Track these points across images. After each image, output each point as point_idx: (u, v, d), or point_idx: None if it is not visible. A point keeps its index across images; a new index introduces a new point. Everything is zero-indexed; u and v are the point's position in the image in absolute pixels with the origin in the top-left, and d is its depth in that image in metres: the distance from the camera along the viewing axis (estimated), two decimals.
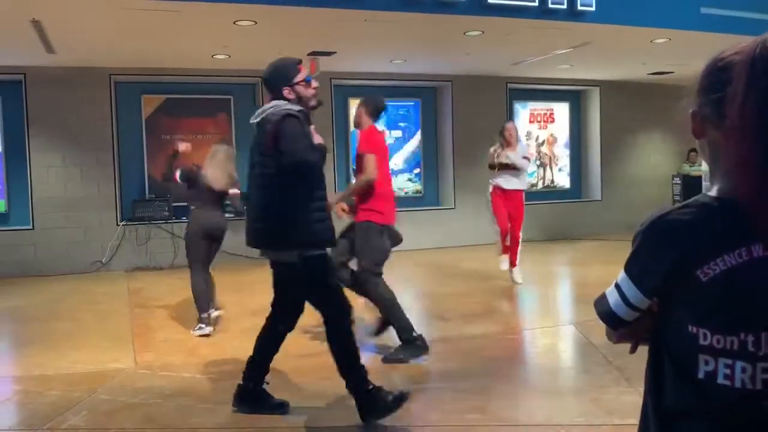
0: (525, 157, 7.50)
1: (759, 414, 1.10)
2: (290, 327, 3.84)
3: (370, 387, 3.55)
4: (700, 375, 1.13)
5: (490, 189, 7.43)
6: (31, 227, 9.14)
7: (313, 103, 3.66)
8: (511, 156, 7.35)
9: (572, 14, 7.16)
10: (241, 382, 3.77)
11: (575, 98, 12.52)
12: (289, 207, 3.44)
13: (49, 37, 7.24)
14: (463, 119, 10.98)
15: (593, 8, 7.18)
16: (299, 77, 3.55)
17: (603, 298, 1.28)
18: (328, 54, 8.62)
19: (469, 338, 5.10)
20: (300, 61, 3.67)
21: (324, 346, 5.12)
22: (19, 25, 6.60)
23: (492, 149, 7.45)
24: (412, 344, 4.67)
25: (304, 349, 5.09)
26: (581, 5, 7.12)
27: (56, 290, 7.90)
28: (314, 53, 8.59)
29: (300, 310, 3.81)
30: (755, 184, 1.09)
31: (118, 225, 9.42)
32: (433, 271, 8.75)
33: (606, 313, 1.27)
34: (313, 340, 5.36)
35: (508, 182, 7.38)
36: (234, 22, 6.82)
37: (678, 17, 7.53)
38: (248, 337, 5.44)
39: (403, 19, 6.84)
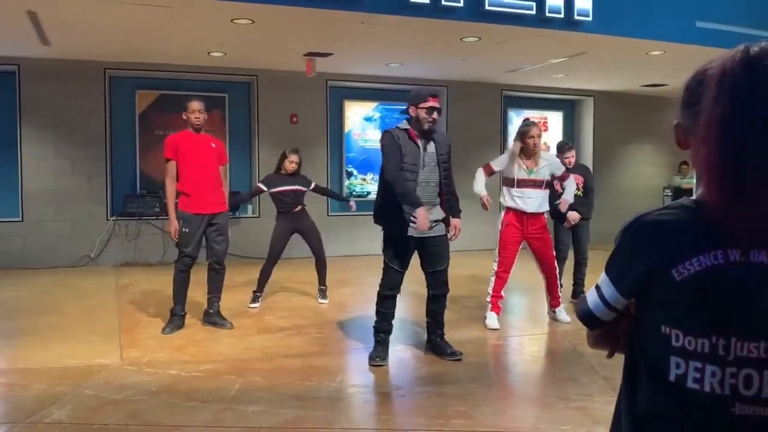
0: (559, 177, 5.88)
1: (729, 420, 1.11)
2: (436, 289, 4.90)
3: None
4: (671, 378, 1.14)
5: (501, 215, 5.80)
6: (20, 219, 9.09)
7: (425, 127, 4.61)
8: (568, 188, 5.94)
9: (569, 23, 7.20)
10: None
11: (569, 107, 12.58)
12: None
13: (45, 29, 7.21)
14: (458, 125, 11.00)
15: (590, 18, 7.22)
16: (424, 104, 4.58)
17: (583, 298, 1.31)
18: (325, 55, 8.62)
19: (456, 344, 5.09)
20: (434, 94, 4.69)
21: (308, 348, 5.14)
22: (15, 16, 6.57)
23: (505, 157, 5.78)
24: (174, 315, 5.61)
25: (288, 351, 5.09)
26: (578, 15, 7.16)
27: (44, 283, 7.85)
28: (311, 54, 8.59)
29: (434, 276, 4.87)
30: (720, 193, 1.11)
31: (108, 219, 9.38)
32: (422, 275, 8.74)
33: (584, 312, 1.30)
34: (296, 342, 5.35)
35: (528, 202, 5.64)
36: (231, 20, 6.81)
37: (673, 30, 7.59)
38: (235, 336, 5.46)
39: (401, 22, 6.85)
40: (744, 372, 1.10)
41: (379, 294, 4.81)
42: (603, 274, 1.26)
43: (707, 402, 1.12)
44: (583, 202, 6.58)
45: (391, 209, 4.58)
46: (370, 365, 4.68)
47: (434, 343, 4.97)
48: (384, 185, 4.66)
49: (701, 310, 1.12)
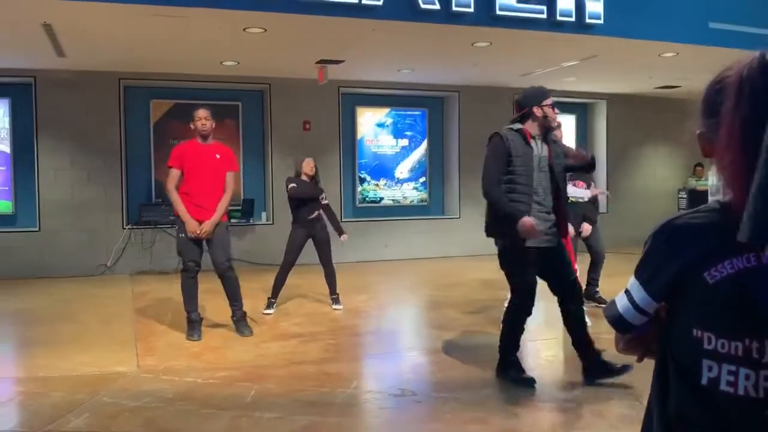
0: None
1: (762, 423, 1.10)
2: (572, 301, 4.44)
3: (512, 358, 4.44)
4: (704, 381, 1.13)
5: None
6: (37, 229, 9.18)
7: (553, 125, 4.42)
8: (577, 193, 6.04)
9: (580, 27, 7.18)
10: (583, 363, 4.44)
11: (582, 111, 12.53)
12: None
13: (60, 41, 7.29)
14: (470, 130, 10.99)
15: (601, 21, 7.19)
16: (547, 101, 4.36)
17: (612, 303, 1.30)
18: (337, 62, 8.66)
19: (472, 348, 5.09)
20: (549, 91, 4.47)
21: (322, 354, 5.15)
22: (31, 29, 6.65)
23: None
24: (192, 321, 5.61)
25: (303, 357, 5.10)
26: (589, 18, 7.14)
27: (61, 293, 7.92)
28: (323, 61, 8.63)
29: (565, 285, 4.42)
30: (742, 200, 1.11)
31: (123, 228, 9.45)
32: (436, 280, 8.75)
33: (614, 317, 1.29)
34: (311, 348, 5.36)
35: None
36: (243, 29, 6.86)
37: (686, 31, 7.54)
38: (251, 343, 5.48)
39: (412, 29, 6.86)
40: None
41: (514, 319, 4.39)
42: (632, 278, 1.25)
43: (740, 405, 1.11)
44: (588, 206, 6.57)
45: (505, 220, 4.20)
46: (533, 387, 4.32)
47: (595, 364, 4.37)
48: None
49: (734, 313, 1.11)
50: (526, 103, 4.35)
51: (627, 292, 1.27)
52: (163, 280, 8.79)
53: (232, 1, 6.05)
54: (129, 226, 9.48)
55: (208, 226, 5.45)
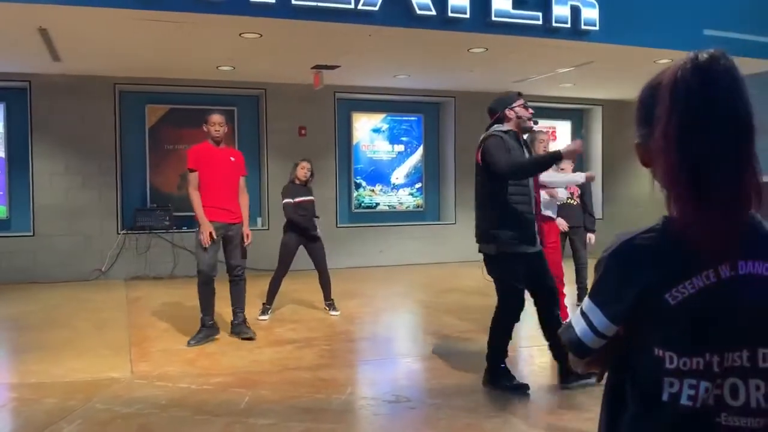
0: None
1: (712, 429, 1.10)
2: (544, 304, 4.41)
3: (502, 365, 4.37)
4: (665, 397, 1.12)
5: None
6: (31, 234, 9.15)
7: (528, 125, 4.36)
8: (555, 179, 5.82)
9: (576, 33, 7.20)
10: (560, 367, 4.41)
11: (578, 117, 12.56)
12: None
13: (56, 45, 7.29)
14: (466, 135, 10.98)
15: (597, 27, 7.23)
16: (518, 102, 4.32)
17: (569, 326, 1.24)
18: (332, 68, 8.66)
19: (466, 354, 5.08)
20: (520, 94, 4.45)
21: (317, 360, 5.13)
22: (26, 33, 6.65)
23: None
24: (203, 326, 5.60)
25: (297, 363, 5.08)
26: (585, 24, 7.17)
27: (55, 297, 7.89)
28: (318, 67, 8.64)
29: (544, 290, 4.39)
30: (687, 205, 1.10)
31: (118, 233, 9.43)
32: (431, 286, 8.75)
33: (573, 342, 1.23)
34: (306, 354, 5.34)
35: (546, 208, 5.84)
36: (239, 35, 6.87)
37: (681, 38, 7.56)
38: (245, 349, 5.46)
39: (408, 34, 6.88)
40: (729, 381, 1.09)
41: (502, 325, 4.36)
42: (588, 302, 1.20)
43: (696, 416, 1.10)
44: (575, 211, 6.60)
45: (500, 226, 4.18)
46: (527, 394, 4.31)
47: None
48: (492, 199, 4.22)
49: (697, 332, 1.10)
50: (497, 107, 4.37)
51: (584, 315, 1.21)
52: (158, 285, 8.77)
53: (228, 7, 6.06)
54: (124, 231, 9.45)
55: (248, 230, 5.70)
